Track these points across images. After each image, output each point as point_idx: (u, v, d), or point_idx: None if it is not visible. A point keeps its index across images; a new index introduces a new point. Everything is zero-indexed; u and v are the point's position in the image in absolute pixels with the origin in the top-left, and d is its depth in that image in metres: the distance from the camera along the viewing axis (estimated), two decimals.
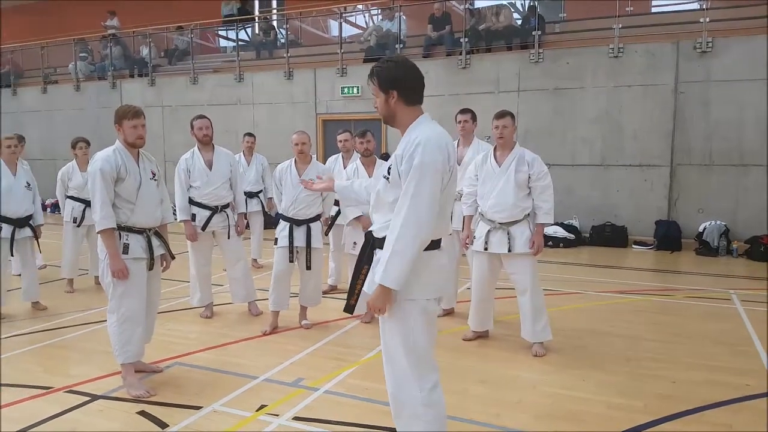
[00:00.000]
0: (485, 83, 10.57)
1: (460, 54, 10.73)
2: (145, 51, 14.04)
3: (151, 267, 3.91)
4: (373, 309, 2.48)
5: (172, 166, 14.32)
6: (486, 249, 4.61)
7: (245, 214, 5.94)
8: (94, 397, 3.79)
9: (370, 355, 4.56)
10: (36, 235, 5.79)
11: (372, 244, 2.60)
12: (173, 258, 4.12)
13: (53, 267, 7.51)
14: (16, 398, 3.77)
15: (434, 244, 2.54)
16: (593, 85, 9.91)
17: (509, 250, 4.52)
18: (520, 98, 10.38)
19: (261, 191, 8.02)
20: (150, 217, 3.89)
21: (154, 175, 3.95)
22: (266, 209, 8.14)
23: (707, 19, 9.26)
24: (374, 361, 4.43)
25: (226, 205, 5.59)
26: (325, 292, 6.09)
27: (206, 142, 5.51)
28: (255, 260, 7.91)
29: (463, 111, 5.52)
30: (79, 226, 6.57)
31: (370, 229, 2.64)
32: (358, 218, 5.22)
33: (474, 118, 5.48)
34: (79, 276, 6.87)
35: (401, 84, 2.54)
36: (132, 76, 14.15)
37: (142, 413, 3.59)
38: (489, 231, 4.60)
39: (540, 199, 4.54)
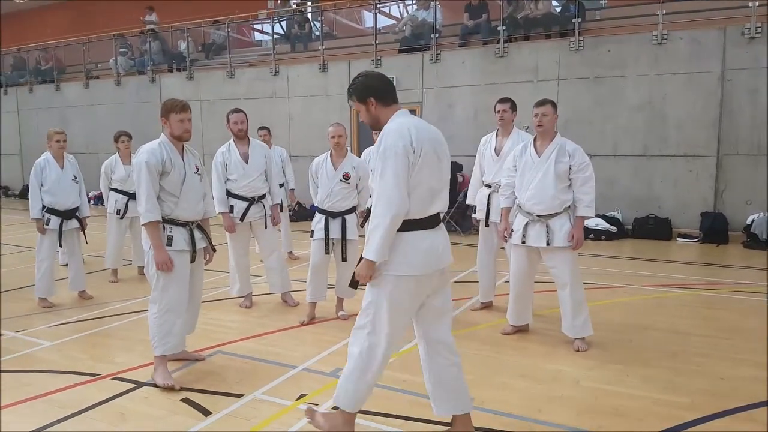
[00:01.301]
0: (523, 72, 10.40)
1: (497, 43, 10.58)
2: (183, 45, 14.24)
3: (193, 259, 3.96)
4: (359, 278, 2.84)
5: (209, 159, 14.37)
6: (524, 242, 4.53)
7: (280, 205, 6.00)
8: (139, 384, 3.88)
9: (406, 348, 4.54)
10: (82, 227, 5.94)
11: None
12: (214, 251, 4.16)
13: (98, 258, 7.71)
14: (65, 384, 3.89)
15: (416, 225, 2.80)
16: (635, 74, 9.65)
17: (548, 244, 4.43)
18: (560, 87, 10.19)
19: (281, 184, 7.88)
20: (193, 211, 3.94)
21: (197, 169, 4.00)
22: (288, 201, 8.11)
23: (756, 4, 8.91)
24: (411, 354, 4.40)
25: (263, 196, 5.65)
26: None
27: (241, 137, 5.58)
28: (290, 252, 7.96)
29: (502, 100, 5.42)
30: (122, 217, 6.74)
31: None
32: None
33: (513, 107, 5.38)
34: (122, 266, 7.04)
35: (374, 90, 2.91)
36: (170, 70, 14.39)
37: (186, 401, 3.66)
38: (527, 224, 4.51)
39: (581, 192, 4.42)
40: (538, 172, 4.48)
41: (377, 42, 11.50)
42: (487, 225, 5.38)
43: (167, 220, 3.83)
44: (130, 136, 6.80)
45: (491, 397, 3.67)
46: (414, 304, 2.92)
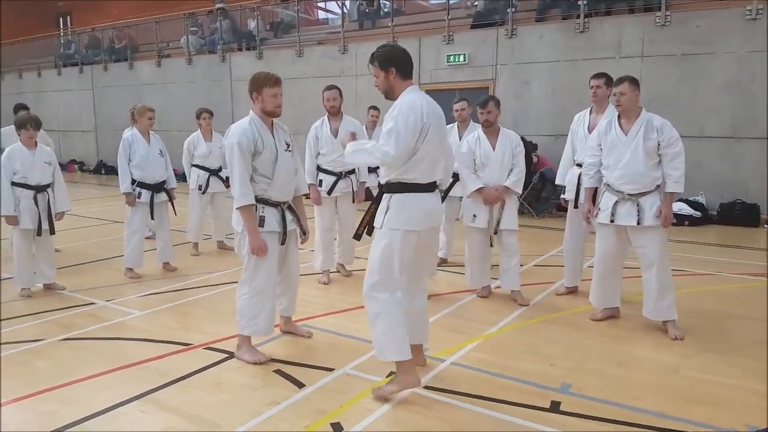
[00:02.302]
0: (605, 48, 9.94)
1: (577, 17, 10.17)
2: (252, 24, 14.35)
3: (283, 241, 3.88)
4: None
5: None
6: (612, 221, 4.37)
7: (364, 183, 6.00)
8: (231, 355, 3.93)
9: (492, 330, 4.45)
10: (171, 198, 6.08)
11: (381, 189, 3.36)
12: (306, 233, 4.08)
13: (178, 232, 7.84)
14: (161, 352, 3.98)
15: (421, 188, 3.25)
16: (725, 51, 9.09)
17: (638, 223, 4.27)
18: (644, 64, 9.70)
19: None
20: (285, 191, 3.87)
21: (288, 146, 3.91)
22: None
23: None
24: (498, 337, 4.33)
25: (351, 172, 5.73)
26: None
27: (334, 113, 5.64)
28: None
29: (597, 75, 5.18)
30: (204, 193, 6.86)
31: (379, 179, 3.42)
32: (479, 190, 5.06)
33: (609, 82, 5.11)
34: (202, 240, 7.18)
35: (397, 61, 3.22)
36: (240, 49, 14.53)
37: (279, 372, 3.69)
38: (616, 202, 4.36)
39: (670, 167, 4.24)
40: (627, 150, 4.32)
41: (449, 17, 11.24)
42: (576, 206, 5.19)
43: (259, 200, 3.76)
44: (211, 113, 6.89)
45: (588, 384, 3.55)
46: (415, 254, 3.33)
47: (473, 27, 11.30)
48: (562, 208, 10.03)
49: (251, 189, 3.70)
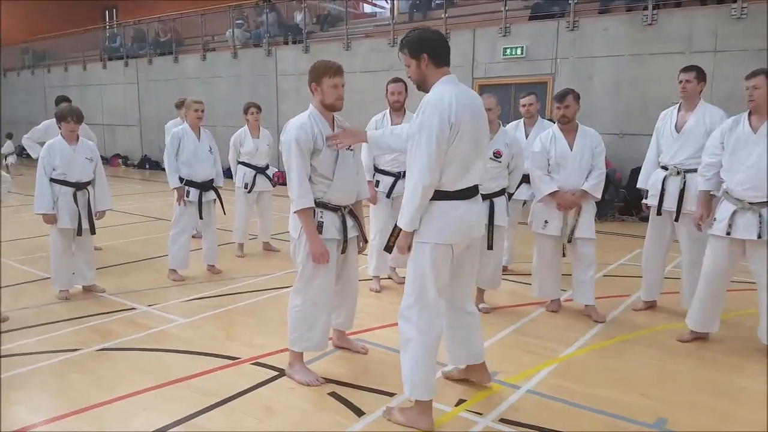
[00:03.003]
0: (674, 42, 9.27)
1: (644, 9, 9.51)
2: (299, 17, 14.04)
3: (343, 250, 3.49)
4: (401, 250, 2.92)
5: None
6: (729, 234, 3.84)
7: None
8: (282, 373, 3.55)
9: (569, 351, 3.97)
10: (219, 197, 5.75)
11: None
12: (366, 241, 3.68)
13: (222, 231, 7.52)
14: (206, 367, 3.63)
15: (453, 195, 2.86)
16: None
17: (759, 237, 3.74)
18: (716, 60, 8.99)
19: None
20: (347, 193, 3.45)
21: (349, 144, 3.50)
22: None
23: None
24: (576, 359, 3.86)
25: None
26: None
27: (397, 108, 5.16)
28: None
29: (687, 69, 4.64)
30: (249, 192, 6.51)
31: None
32: (553, 194, 4.56)
33: (701, 76, 4.58)
34: (248, 241, 6.83)
35: (430, 46, 2.85)
36: (286, 43, 14.23)
37: (334, 395, 3.30)
38: (735, 212, 3.83)
39: None
40: (754, 151, 3.79)
41: (506, 8, 10.69)
42: (659, 213, 4.66)
43: (318, 204, 3.36)
44: (259, 108, 6.54)
45: (686, 419, 3.09)
46: (453, 270, 2.99)
47: (531, 18, 10.72)
48: (625, 212, 9.59)
49: (311, 191, 3.30)
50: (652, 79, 9.41)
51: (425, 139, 2.74)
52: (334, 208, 3.42)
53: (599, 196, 4.62)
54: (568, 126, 4.62)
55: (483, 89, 10.93)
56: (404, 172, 5.08)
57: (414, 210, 2.80)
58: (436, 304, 2.95)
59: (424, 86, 2.91)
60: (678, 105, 4.73)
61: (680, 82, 4.62)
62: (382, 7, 17.98)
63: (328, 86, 3.33)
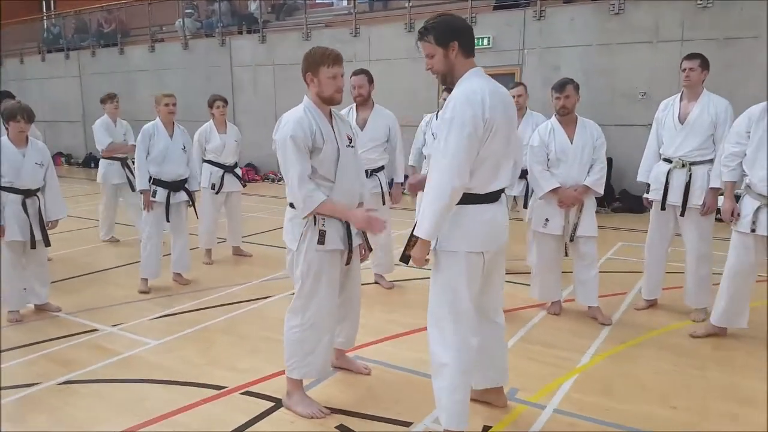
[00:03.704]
0: (641, 32, 9.19)
1: None
2: (253, 6, 13.41)
3: (349, 260, 3.10)
4: (413, 260, 2.58)
5: None
6: (753, 230, 3.68)
7: (401, 184, 5.18)
8: (278, 403, 3.14)
9: (585, 361, 3.71)
10: (192, 200, 5.25)
11: None
12: (371, 249, 3.29)
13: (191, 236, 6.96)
14: (189, 400, 3.17)
15: (482, 198, 2.59)
16: None
17: None
18: (684, 49, 8.85)
19: None
20: (351, 196, 3.06)
21: (350, 140, 3.09)
22: None
23: None
24: (594, 369, 3.60)
25: (379, 169, 5.02)
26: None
27: (360, 102, 4.89)
28: None
29: (690, 56, 4.43)
30: (217, 192, 5.99)
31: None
32: (554, 190, 4.28)
33: (704, 64, 4.39)
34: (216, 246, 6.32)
35: (461, 34, 2.57)
36: (241, 32, 13.58)
37: (342, 428, 2.91)
38: (759, 208, 3.66)
39: None
40: None
41: None
42: (663, 208, 4.45)
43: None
44: (225, 101, 6.03)
45: None
46: (483, 280, 2.70)
47: (496, 8, 10.49)
48: (598, 204, 9.45)
49: (315, 186, 2.88)
50: (619, 70, 9.32)
51: (456, 136, 2.44)
52: None
53: (602, 191, 4.37)
54: (568, 118, 4.35)
55: None
56: (372, 169, 4.86)
57: (438, 216, 2.48)
58: (470, 320, 2.65)
59: (449, 78, 2.63)
60: (680, 94, 4.52)
61: (683, 70, 4.42)
62: None
63: (326, 77, 2.93)
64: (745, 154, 3.76)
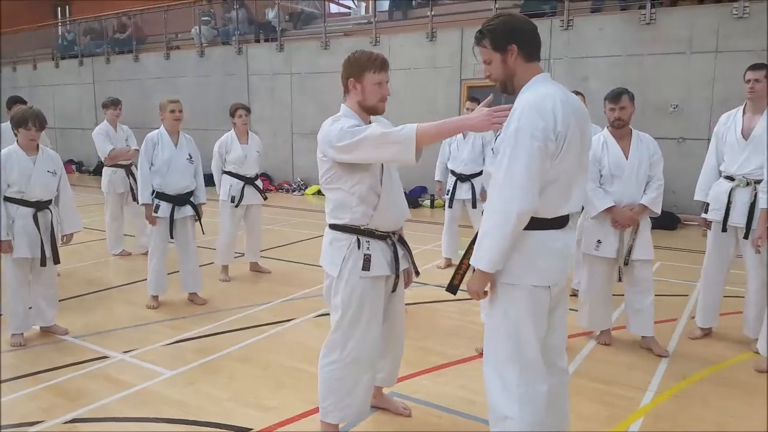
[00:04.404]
0: (674, 42, 8.86)
1: (641, 8, 9.06)
2: (271, 14, 13.18)
3: (394, 287, 2.77)
4: (470, 292, 2.29)
5: (299, 138, 13.69)
6: None
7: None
8: None
9: (647, 400, 3.33)
10: (198, 215, 4.91)
11: None
12: (418, 273, 2.94)
13: (203, 249, 6.59)
14: None
15: (551, 223, 2.26)
16: None
17: None
18: (718, 60, 8.62)
19: None
20: (397, 215, 2.73)
21: None
22: None
23: None
24: (661, 410, 3.24)
25: None
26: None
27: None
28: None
29: (755, 67, 4.08)
30: (237, 206, 5.65)
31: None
32: (608, 209, 3.92)
33: None
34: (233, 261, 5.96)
35: (520, 36, 2.26)
36: (258, 41, 13.34)
37: None
38: None
39: None
40: None
41: (496, 6, 10.10)
42: (724, 229, 4.09)
43: (363, 232, 2.63)
44: (248, 110, 5.69)
45: None
46: (549, 317, 2.35)
47: None
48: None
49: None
50: (650, 81, 8.99)
51: (524, 151, 2.12)
52: (383, 236, 2.67)
53: (659, 211, 4.01)
54: (622, 131, 4.01)
55: (471, 91, 10.33)
56: None
57: (502, 244, 2.16)
58: (537, 365, 2.30)
59: (510, 86, 2.31)
60: (743, 107, 4.16)
61: (747, 81, 4.07)
62: (348, 7, 17.30)
63: (372, 83, 2.60)
64: None
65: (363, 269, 2.58)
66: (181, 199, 4.79)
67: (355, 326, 2.63)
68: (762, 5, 8.35)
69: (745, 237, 3.99)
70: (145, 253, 5.68)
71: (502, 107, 2.28)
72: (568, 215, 2.34)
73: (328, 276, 2.68)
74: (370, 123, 2.68)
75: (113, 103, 6.70)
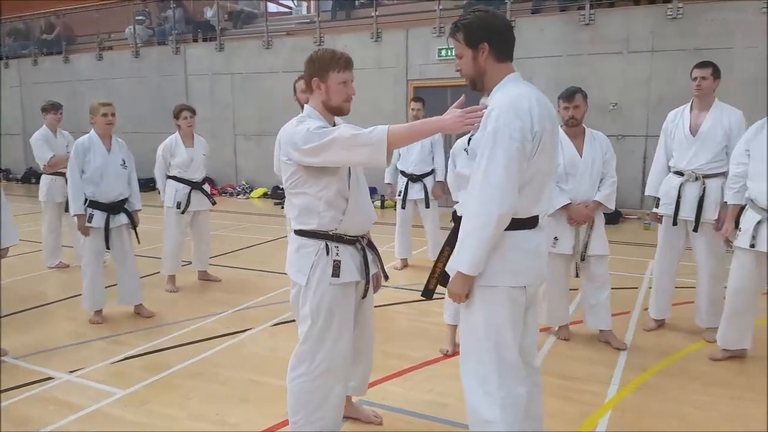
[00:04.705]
0: (612, 42, 9.17)
1: (581, 9, 9.31)
2: (209, 13, 12.83)
3: (365, 294, 2.68)
4: (452, 296, 2.26)
5: (242, 139, 13.36)
6: (753, 246, 3.50)
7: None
8: None
9: (612, 395, 3.37)
10: (134, 223, 4.68)
11: (457, 225, 2.29)
12: (387, 277, 2.86)
13: (147, 258, 6.28)
14: None
15: (525, 223, 2.24)
16: (742, 46, 8.43)
17: None
18: (654, 60, 8.97)
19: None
20: (365, 219, 2.64)
21: None
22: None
23: None
24: (626, 403, 3.29)
25: None
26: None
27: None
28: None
29: (701, 65, 4.22)
30: (183, 212, 5.41)
31: (455, 209, 2.50)
32: (564, 207, 3.96)
33: (716, 73, 4.18)
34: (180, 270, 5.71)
35: (494, 34, 2.21)
36: (196, 40, 12.95)
37: None
38: (759, 222, 3.50)
39: None
40: None
41: (440, 8, 10.15)
42: (675, 223, 4.21)
43: (332, 237, 2.52)
44: (193, 111, 5.45)
45: None
46: (524, 318, 2.32)
47: None
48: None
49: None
50: (590, 80, 9.20)
51: (503, 152, 2.08)
52: (352, 240, 2.58)
53: (613, 207, 4.09)
54: (576, 129, 4.05)
55: (417, 92, 10.35)
56: None
57: (484, 246, 2.13)
58: (517, 366, 2.27)
59: (479, 84, 2.28)
60: (690, 104, 4.30)
61: (694, 79, 4.21)
62: (289, 7, 17.07)
63: (336, 82, 2.51)
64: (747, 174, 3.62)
65: (333, 276, 2.48)
66: (116, 207, 4.54)
67: (325, 336, 2.53)
68: (693, 6, 8.73)
69: (695, 230, 4.12)
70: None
71: (474, 108, 2.23)
72: (537, 216, 2.31)
73: (295, 285, 2.56)
74: (334, 124, 2.59)
75: (53, 107, 6.31)
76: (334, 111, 2.57)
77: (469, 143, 2.31)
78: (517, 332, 2.26)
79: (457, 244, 2.20)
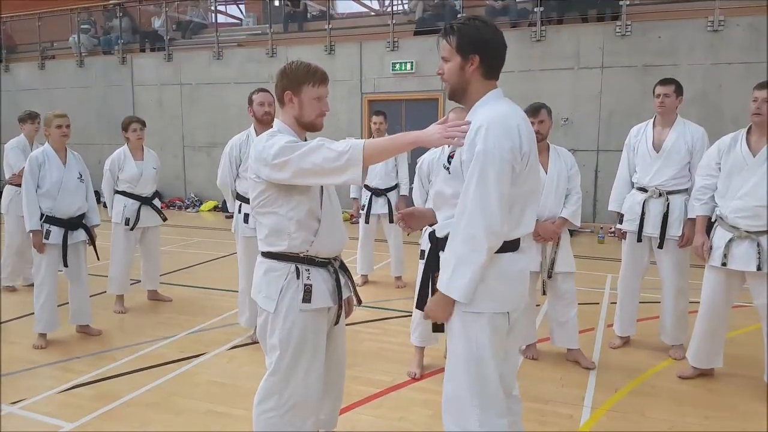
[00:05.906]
0: (563, 58, 9.35)
1: (531, 26, 9.46)
2: (157, 23, 12.44)
3: (338, 320, 2.52)
4: (432, 318, 2.19)
5: (191, 151, 12.96)
6: (725, 264, 3.50)
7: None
8: None
9: (586, 418, 3.32)
10: (92, 239, 4.43)
11: (436, 245, 2.22)
12: (360, 301, 2.68)
13: (96, 277, 5.91)
14: None
15: (507, 246, 2.12)
16: (689, 62, 8.75)
17: (758, 268, 3.41)
18: (604, 75, 9.20)
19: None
20: (338, 239, 2.48)
21: None
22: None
23: None
24: (601, 427, 3.18)
25: None
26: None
27: (266, 122, 4.25)
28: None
29: (664, 82, 4.24)
30: (132, 228, 5.12)
31: (432, 229, 2.33)
32: None
33: (679, 90, 4.21)
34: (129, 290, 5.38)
35: (487, 49, 2.11)
36: (143, 50, 12.54)
37: None
38: (731, 240, 3.49)
39: None
40: (752, 176, 3.46)
41: (393, 22, 10.12)
42: (639, 239, 4.20)
43: (303, 259, 2.36)
44: (143, 123, 5.17)
45: None
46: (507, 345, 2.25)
47: (417, 33, 10.29)
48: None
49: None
50: (542, 96, 9.30)
51: (494, 174, 1.99)
52: (324, 263, 2.42)
53: (579, 223, 4.06)
54: (540, 145, 3.97)
55: (373, 105, 10.28)
56: None
57: (479, 271, 2.04)
58: (498, 397, 2.16)
59: (460, 96, 2.18)
60: (653, 120, 4.33)
61: (657, 96, 4.23)
62: (238, 18, 16.81)
63: (310, 97, 2.36)
64: (716, 187, 3.62)
65: (303, 301, 2.31)
66: (74, 223, 4.30)
67: (296, 368, 2.35)
68: (641, 24, 8.99)
69: (660, 246, 4.13)
70: (31, 285, 5.01)
71: (456, 122, 2.12)
72: (519, 239, 2.21)
73: (263, 312, 2.38)
74: (305, 140, 2.44)
75: (30, 117, 5.90)
76: (307, 126, 2.42)
77: (449, 161, 2.18)
78: (498, 359, 2.15)
79: (446, 268, 2.08)
